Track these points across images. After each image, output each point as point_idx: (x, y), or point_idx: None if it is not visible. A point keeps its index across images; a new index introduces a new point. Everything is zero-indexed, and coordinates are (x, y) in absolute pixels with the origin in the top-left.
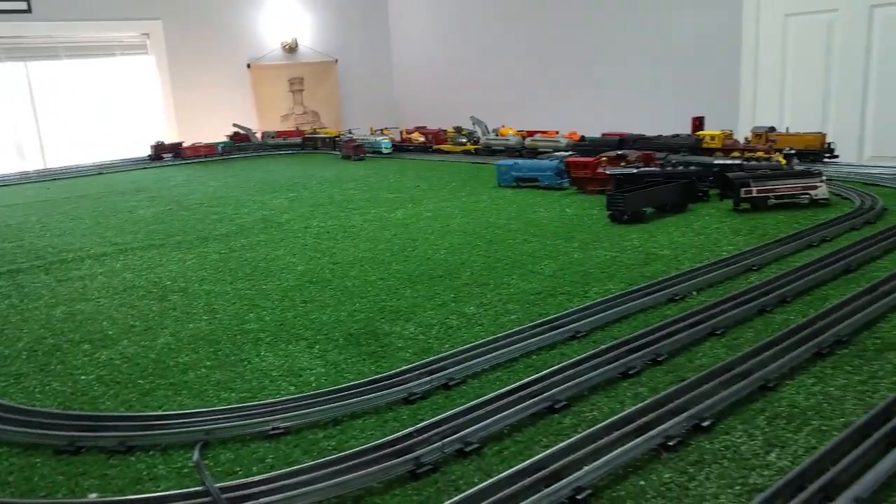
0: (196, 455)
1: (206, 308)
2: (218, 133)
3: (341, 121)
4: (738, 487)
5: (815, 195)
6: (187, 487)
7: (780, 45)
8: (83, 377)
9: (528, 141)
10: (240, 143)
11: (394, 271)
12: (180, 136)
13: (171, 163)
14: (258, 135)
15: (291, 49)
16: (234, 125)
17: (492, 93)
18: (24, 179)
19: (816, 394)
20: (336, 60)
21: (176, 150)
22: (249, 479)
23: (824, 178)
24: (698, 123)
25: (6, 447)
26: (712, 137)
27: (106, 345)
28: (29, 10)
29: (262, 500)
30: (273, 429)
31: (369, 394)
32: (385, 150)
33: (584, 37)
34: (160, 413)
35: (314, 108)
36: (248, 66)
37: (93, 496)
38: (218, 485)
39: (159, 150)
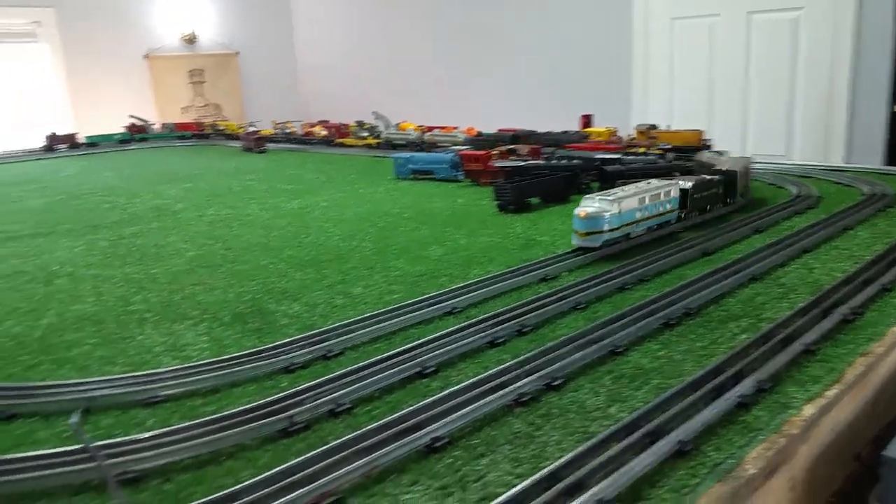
0: (75, 418)
1: (93, 291)
2: (115, 124)
3: (244, 114)
4: (578, 435)
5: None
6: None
7: (668, 46)
8: None
9: (427, 136)
10: (137, 134)
11: (285, 256)
12: (76, 126)
13: (65, 154)
14: (156, 126)
15: (191, 40)
16: (131, 116)
17: (395, 88)
18: None
19: (660, 357)
20: (237, 53)
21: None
22: (126, 438)
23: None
24: (587, 121)
25: None
26: (598, 134)
27: None
28: None
29: (136, 455)
30: (153, 397)
31: (250, 364)
32: None
33: (484, 35)
34: (42, 383)
35: (216, 101)
36: (146, 56)
37: None
38: (95, 444)
39: (53, 141)
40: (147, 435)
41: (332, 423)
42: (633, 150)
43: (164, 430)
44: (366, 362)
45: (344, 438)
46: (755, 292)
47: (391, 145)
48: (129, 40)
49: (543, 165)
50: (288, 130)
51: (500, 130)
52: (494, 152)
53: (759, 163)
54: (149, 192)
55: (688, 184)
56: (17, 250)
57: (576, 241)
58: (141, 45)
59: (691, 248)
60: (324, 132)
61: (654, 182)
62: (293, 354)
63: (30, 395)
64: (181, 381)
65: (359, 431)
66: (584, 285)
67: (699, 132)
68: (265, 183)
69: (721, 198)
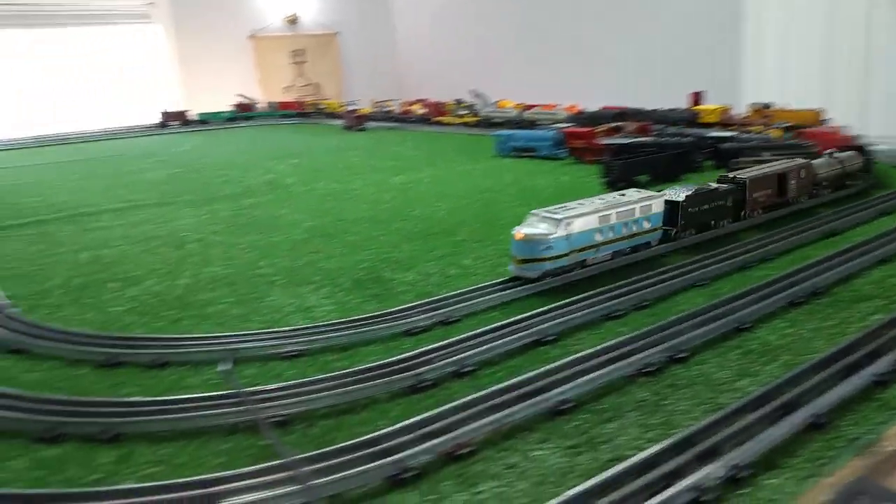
0: (226, 366)
1: (222, 255)
2: (221, 103)
3: (343, 93)
4: (706, 405)
5: None
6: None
7: (783, 22)
8: (114, 309)
9: (527, 114)
10: (243, 112)
11: (394, 229)
12: (186, 104)
13: (177, 130)
14: (261, 105)
15: (293, 21)
16: (238, 95)
17: (493, 66)
18: (38, 143)
19: (789, 335)
20: (337, 33)
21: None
22: (270, 386)
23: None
24: (697, 98)
25: (53, 361)
26: (710, 111)
27: (132, 283)
28: None
29: (283, 402)
30: (289, 351)
31: (374, 326)
32: None
33: (586, 12)
34: (190, 335)
35: (316, 80)
36: (251, 37)
37: (135, 398)
38: (247, 389)
39: (167, 118)
40: (291, 383)
41: (457, 382)
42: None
43: (306, 379)
44: (485, 328)
45: (473, 396)
46: (887, 274)
47: (489, 123)
48: (235, 21)
49: (652, 143)
50: (387, 109)
51: (604, 108)
52: (600, 130)
53: (887, 144)
54: (260, 167)
55: (680, 196)
56: (147, 217)
57: (511, 269)
58: (246, 26)
59: (814, 228)
60: (422, 110)
61: (631, 194)
62: (414, 319)
63: (179, 345)
64: (314, 338)
65: (486, 391)
66: (703, 263)
67: (818, 111)
68: (367, 159)
69: (730, 211)
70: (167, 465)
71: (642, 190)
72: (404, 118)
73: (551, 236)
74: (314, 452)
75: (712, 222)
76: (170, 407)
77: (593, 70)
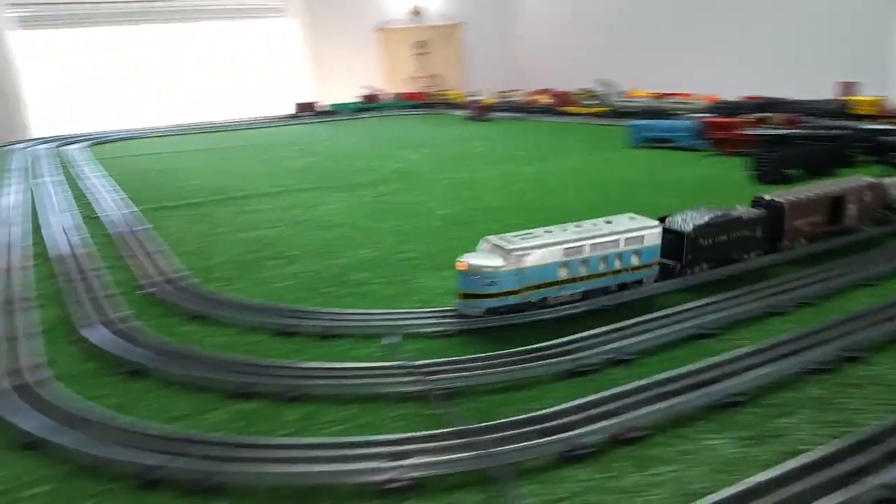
0: (391, 339)
1: (368, 239)
2: (349, 94)
3: (465, 83)
4: (884, 405)
5: None
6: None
7: None
8: (278, 284)
9: (660, 103)
10: (370, 103)
11: (532, 217)
12: (317, 95)
13: (309, 120)
14: (385, 96)
15: (417, 13)
16: (365, 87)
17: (622, 54)
18: (182, 131)
19: None
20: (460, 24)
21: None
22: (436, 360)
23: None
24: (847, 89)
25: (234, 328)
26: (866, 102)
27: (291, 262)
28: None
29: (448, 375)
30: (444, 330)
31: (526, 311)
32: None
33: None
34: (353, 311)
35: (438, 71)
36: (379, 29)
37: (314, 364)
38: (415, 363)
39: (300, 109)
40: (453, 359)
41: (616, 369)
42: None
43: (467, 357)
44: (641, 318)
45: (640, 383)
46: None
47: (618, 113)
48: (362, 14)
49: (805, 135)
50: (510, 99)
51: (745, 98)
52: (745, 120)
53: None
54: (391, 156)
55: (688, 225)
56: (293, 202)
57: (457, 304)
58: (373, 18)
59: None
60: (548, 100)
61: (620, 221)
62: (568, 306)
63: (344, 319)
64: (465, 319)
65: (653, 379)
66: (872, 261)
67: None
68: (494, 149)
69: (760, 242)
70: (351, 424)
71: (636, 217)
72: (528, 108)
73: (499, 269)
74: (489, 423)
75: (735, 255)
76: (346, 373)
77: (727, 58)
